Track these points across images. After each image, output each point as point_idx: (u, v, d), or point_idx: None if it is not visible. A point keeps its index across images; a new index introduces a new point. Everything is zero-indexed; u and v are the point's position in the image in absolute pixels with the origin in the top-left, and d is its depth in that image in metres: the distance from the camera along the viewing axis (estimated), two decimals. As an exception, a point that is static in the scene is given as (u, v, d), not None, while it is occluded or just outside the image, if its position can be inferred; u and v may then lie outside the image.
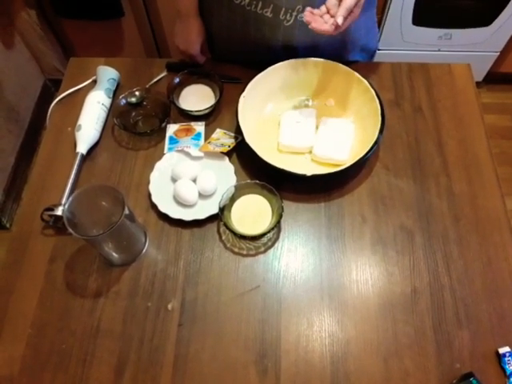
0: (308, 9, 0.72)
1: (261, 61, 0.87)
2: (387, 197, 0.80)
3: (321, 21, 0.71)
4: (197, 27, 0.95)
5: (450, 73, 0.97)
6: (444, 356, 0.66)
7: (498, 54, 1.82)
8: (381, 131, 0.79)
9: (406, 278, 0.72)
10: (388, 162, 0.84)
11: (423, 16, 1.66)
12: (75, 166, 0.82)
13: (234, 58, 0.97)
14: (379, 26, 1.72)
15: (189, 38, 0.95)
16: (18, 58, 1.82)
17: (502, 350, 0.65)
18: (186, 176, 0.79)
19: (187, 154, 0.83)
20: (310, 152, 0.84)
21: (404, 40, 1.75)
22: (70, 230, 0.62)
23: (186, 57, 0.98)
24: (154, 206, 0.78)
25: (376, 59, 1.06)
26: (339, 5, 0.69)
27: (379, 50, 1.82)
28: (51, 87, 1.98)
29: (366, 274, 0.73)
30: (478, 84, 0.97)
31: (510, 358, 0.64)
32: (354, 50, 0.96)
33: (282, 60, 0.87)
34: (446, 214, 0.78)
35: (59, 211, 0.75)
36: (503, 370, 0.64)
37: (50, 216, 0.75)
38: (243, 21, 0.88)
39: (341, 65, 0.87)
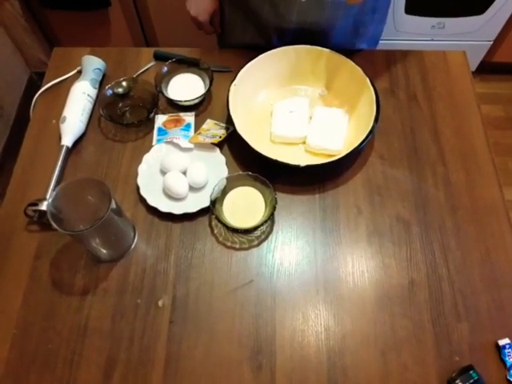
0: None
1: (268, 47, 0.85)
2: (383, 187, 0.78)
3: None
4: None
5: (444, 60, 0.95)
6: (443, 349, 0.65)
7: (492, 43, 1.81)
8: (376, 120, 0.77)
9: (402, 270, 0.71)
10: (383, 151, 0.82)
11: (416, 5, 1.64)
12: (60, 160, 0.79)
13: (242, 41, 0.95)
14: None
15: (200, 4, 0.94)
16: (2, 51, 1.77)
17: (501, 342, 0.64)
18: (176, 168, 0.76)
19: (176, 146, 0.80)
20: (304, 142, 0.82)
21: (397, 29, 1.73)
22: (55, 226, 0.59)
23: (195, 24, 0.98)
24: (142, 200, 0.75)
25: (368, 48, 1.04)
26: None
27: (372, 39, 1.80)
28: (37, 81, 1.93)
29: (362, 266, 0.71)
30: (471, 74, 0.95)
31: (510, 350, 0.63)
32: (364, 37, 0.95)
33: (295, 43, 0.85)
34: (443, 204, 0.77)
35: (44, 206, 0.72)
36: (503, 362, 0.63)
37: (35, 211, 0.73)
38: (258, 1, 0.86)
39: (334, 52, 0.85)
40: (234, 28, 0.98)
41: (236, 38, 0.98)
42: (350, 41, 0.93)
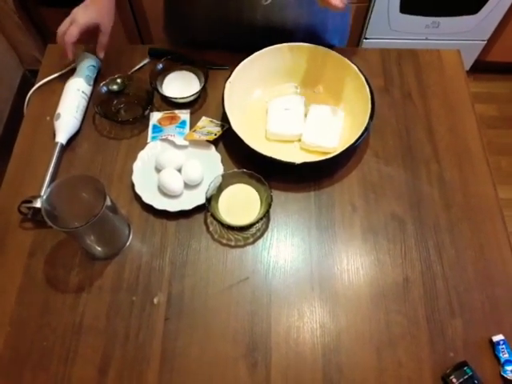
0: None
1: (241, 45, 0.84)
2: (377, 185, 0.79)
3: None
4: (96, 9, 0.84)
5: (439, 59, 0.95)
6: (437, 345, 0.65)
7: (485, 42, 1.82)
8: (371, 118, 0.77)
9: (397, 267, 0.71)
10: (378, 149, 0.83)
11: (411, 4, 1.64)
12: (54, 157, 0.78)
13: (213, 44, 0.93)
14: (366, 15, 1.71)
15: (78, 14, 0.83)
16: (-4, 48, 1.76)
17: (495, 338, 0.64)
18: (171, 165, 0.76)
19: (172, 143, 0.80)
20: (299, 140, 0.82)
21: (391, 28, 1.74)
22: (49, 222, 0.59)
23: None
24: (137, 197, 0.75)
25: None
26: None
27: (366, 38, 1.80)
28: (30, 78, 1.92)
29: (356, 263, 0.72)
30: (464, 73, 0.96)
31: (503, 346, 0.63)
32: (331, 32, 0.94)
33: (264, 44, 0.84)
34: (438, 201, 0.77)
35: (38, 203, 0.71)
36: (497, 358, 0.64)
37: (29, 208, 0.72)
38: (222, 6, 0.85)
39: (330, 50, 0.85)
40: (202, 37, 0.95)
41: (204, 37, 0.94)
42: (318, 36, 0.91)
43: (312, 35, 0.89)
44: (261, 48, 0.84)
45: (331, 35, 0.95)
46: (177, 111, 0.86)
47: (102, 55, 0.89)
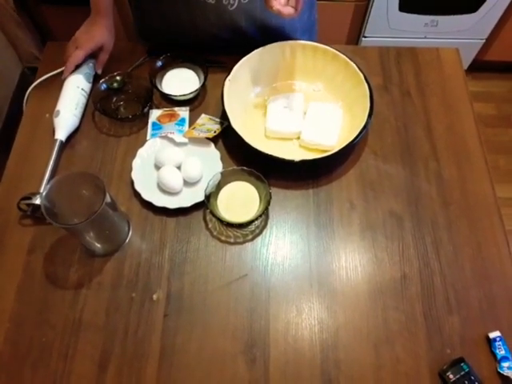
0: None
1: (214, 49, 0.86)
2: (376, 182, 0.79)
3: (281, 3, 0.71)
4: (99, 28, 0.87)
5: (438, 57, 0.95)
6: (434, 342, 0.66)
7: (484, 41, 1.82)
8: (369, 116, 0.78)
9: (395, 264, 0.72)
10: (376, 147, 0.83)
11: (410, 2, 1.64)
12: (54, 154, 0.78)
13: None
14: (365, 13, 1.71)
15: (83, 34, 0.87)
16: (-6, 46, 1.75)
17: (492, 335, 0.65)
18: (170, 163, 0.76)
19: (171, 140, 0.80)
20: (298, 138, 0.82)
21: (390, 27, 1.74)
22: (48, 219, 0.59)
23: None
24: (137, 194, 0.75)
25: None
26: None
27: (365, 37, 1.80)
28: (30, 75, 1.91)
29: (355, 260, 0.72)
30: (463, 72, 0.96)
31: (500, 343, 0.64)
32: (300, 31, 0.95)
33: (237, 46, 0.85)
34: (436, 199, 0.77)
35: (37, 200, 0.72)
36: (494, 354, 0.64)
37: (28, 205, 0.72)
38: (189, 12, 0.86)
39: (329, 48, 0.85)
40: (171, 32, 0.94)
41: (175, 40, 0.93)
42: (288, 37, 0.91)
43: (282, 36, 0.89)
44: (233, 51, 0.85)
45: (301, 34, 0.95)
46: (176, 108, 0.86)
47: (100, 71, 0.90)
